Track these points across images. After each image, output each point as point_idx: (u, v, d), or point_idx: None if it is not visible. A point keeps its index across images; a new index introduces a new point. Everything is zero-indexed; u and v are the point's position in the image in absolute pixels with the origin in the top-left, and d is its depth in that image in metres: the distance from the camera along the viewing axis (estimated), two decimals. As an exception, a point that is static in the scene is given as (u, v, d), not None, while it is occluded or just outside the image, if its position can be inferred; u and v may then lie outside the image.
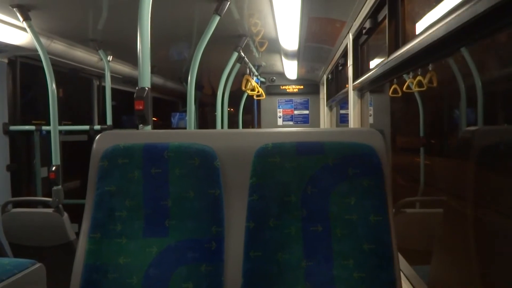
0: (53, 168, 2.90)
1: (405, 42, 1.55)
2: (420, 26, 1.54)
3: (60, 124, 3.06)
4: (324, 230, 1.14)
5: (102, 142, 1.28)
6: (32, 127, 3.59)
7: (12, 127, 3.44)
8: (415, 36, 1.37)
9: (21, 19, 2.59)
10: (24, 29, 2.81)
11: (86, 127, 3.92)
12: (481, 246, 1.48)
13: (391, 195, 1.18)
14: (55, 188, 2.88)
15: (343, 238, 1.12)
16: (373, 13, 2.08)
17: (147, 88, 1.68)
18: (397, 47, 1.64)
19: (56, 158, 2.94)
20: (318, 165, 1.17)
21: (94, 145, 1.29)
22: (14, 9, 2.51)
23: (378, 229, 1.11)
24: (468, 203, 1.65)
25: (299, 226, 1.15)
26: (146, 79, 1.69)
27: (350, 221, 1.13)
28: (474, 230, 1.57)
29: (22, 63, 3.55)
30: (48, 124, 3.07)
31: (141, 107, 1.64)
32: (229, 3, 2.47)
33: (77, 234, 2.93)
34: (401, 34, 1.66)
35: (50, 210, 2.79)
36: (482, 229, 1.55)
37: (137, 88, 1.68)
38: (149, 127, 1.73)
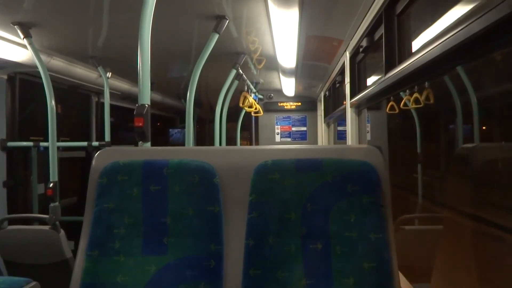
0: (51, 185, 2.88)
1: (401, 61, 1.58)
2: (416, 44, 1.56)
3: (58, 141, 3.06)
4: (324, 248, 1.14)
5: (102, 159, 1.29)
6: (30, 143, 3.58)
7: (10, 143, 3.43)
8: (411, 55, 1.39)
9: (21, 36, 2.62)
10: (24, 46, 2.83)
11: (84, 144, 3.92)
12: (481, 262, 1.47)
13: (390, 212, 1.18)
14: (52, 205, 2.86)
15: (343, 256, 1.12)
16: (370, 32, 2.12)
17: (147, 105, 1.69)
18: (393, 66, 1.67)
19: (53, 174, 2.93)
20: (317, 182, 1.17)
21: (93, 162, 1.29)
22: (15, 26, 2.54)
23: (378, 246, 1.11)
24: (466, 219, 1.65)
25: (298, 243, 1.15)
26: (146, 96, 1.70)
27: (350, 239, 1.12)
28: (474, 246, 1.56)
29: (21, 79, 3.57)
30: (46, 140, 3.06)
31: (140, 124, 1.65)
32: (228, 21, 2.51)
33: (73, 252, 2.91)
34: (398, 52, 1.69)
35: (46, 227, 2.76)
36: (482, 245, 1.55)
37: (137, 105, 1.69)
38: (148, 144, 1.73)
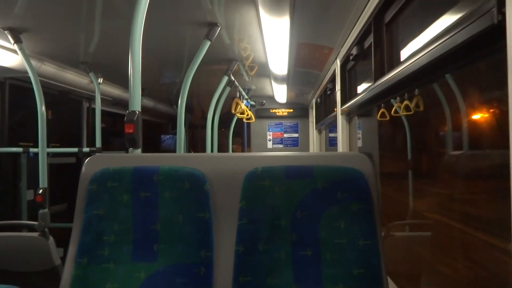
0: (40, 191, 2.85)
1: (390, 69, 1.60)
2: (404, 52, 1.59)
3: (48, 146, 3.04)
4: (313, 254, 1.14)
5: (91, 165, 1.28)
6: (20, 149, 3.55)
7: None
8: (400, 63, 1.42)
9: (12, 41, 2.60)
10: (15, 51, 2.82)
11: (75, 149, 3.89)
12: (471, 269, 1.49)
13: (380, 219, 1.19)
14: (41, 211, 2.83)
15: (333, 262, 1.13)
16: (360, 40, 2.14)
17: (137, 112, 1.69)
18: (382, 73, 1.69)
19: (43, 180, 2.90)
20: (307, 189, 1.18)
21: (83, 169, 1.29)
22: (6, 31, 2.53)
23: (367, 253, 1.12)
24: (455, 225, 1.67)
25: (289, 250, 1.15)
26: (136, 102, 1.70)
27: (339, 245, 1.13)
28: (463, 251, 1.58)
29: (11, 85, 3.54)
30: (36, 146, 3.03)
31: (131, 131, 1.64)
32: (219, 28, 2.52)
33: (62, 259, 2.87)
34: (387, 60, 1.71)
35: (35, 234, 2.73)
36: (471, 250, 1.57)
37: (127, 111, 1.69)
38: (139, 151, 1.73)
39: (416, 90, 3.28)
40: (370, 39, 1.87)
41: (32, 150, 3.61)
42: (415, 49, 1.26)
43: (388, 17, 1.68)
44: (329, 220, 1.16)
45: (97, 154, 1.36)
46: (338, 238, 1.14)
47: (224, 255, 1.20)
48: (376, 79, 1.76)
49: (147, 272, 1.16)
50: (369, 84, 1.96)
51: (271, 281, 1.12)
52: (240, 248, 1.16)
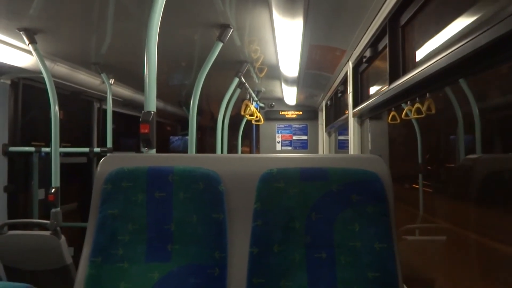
0: (53, 190, 2.88)
1: (406, 71, 1.59)
2: (420, 55, 1.57)
3: (59, 146, 3.06)
4: (328, 257, 1.13)
5: (107, 165, 1.29)
6: (32, 149, 3.58)
7: (12, 148, 3.43)
8: (416, 66, 1.40)
9: (27, 42, 2.63)
10: (29, 52, 2.85)
11: (86, 150, 3.92)
12: (485, 275, 1.47)
13: (395, 222, 1.17)
14: (53, 210, 2.85)
15: (347, 266, 1.11)
16: (374, 42, 2.13)
17: (152, 112, 1.69)
18: (397, 76, 1.68)
19: (55, 180, 2.92)
20: (322, 191, 1.17)
21: (98, 168, 1.29)
22: (21, 32, 2.56)
23: (382, 256, 1.11)
24: (470, 230, 1.65)
25: (303, 252, 1.14)
26: (152, 103, 1.71)
27: (354, 249, 1.12)
28: (478, 258, 1.56)
29: (24, 85, 3.58)
30: (47, 146, 3.06)
31: (146, 131, 1.65)
32: (232, 30, 2.53)
33: (73, 258, 2.89)
34: (402, 63, 1.70)
35: (47, 233, 2.75)
36: (486, 257, 1.55)
37: (143, 111, 1.70)
38: (153, 151, 1.73)
39: (428, 93, 3.25)
40: (385, 41, 1.86)
41: (44, 149, 3.64)
42: (432, 51, 1.25)
43: (404, 19, 1.67)
44: (343, 222, 1.15)
45: (112, 153, 1.36)
46: (352, 241, 1.13)
47: (238, 256, 1.19)
48: (391, 81, 1.75)
49: (161, 272, 1.16)
50: (381, 86, 1.95)
51: (285, 284, 1.12)
52: (254, 250, 1.15)
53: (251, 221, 1.18)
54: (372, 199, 1.15)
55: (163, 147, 8.15)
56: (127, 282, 1.15)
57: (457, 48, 1.03)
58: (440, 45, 1.19)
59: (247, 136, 6.90)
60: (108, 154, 1.35)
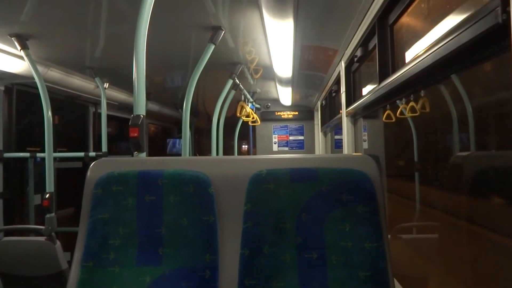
0: (47, 196, 2.87)
1: (395, 70, 1.59)
2: (409, 54, 1.58)
3: (54, 151, 3.06)
4: (319, 257, 1.13)
5: (97, 170, 1.28)
6: (27, 154, 3.58)
7: (6, 154, 3.42)
8: (404, 64, 1.41)
9: (19, 48, 2.63)
10: (21, 58, 2.85)
11: (81, 154, 3.91)
12: (480, 271, 1.47)
13: (386, 221, 1.18)
14: (48, 215, 2.84)
15: (339, 265, 1.12)
16: (364, 42, 2.14)
17: (142, 116, 1.69)
18: (387, 75, 1.68)
19: (50, 185, 2.92)
20: (312, 191, 1.17)
21: (89, 173, 1.29)
22: (13, 38, 2.56)
23: (373, 256, 1.11)
24: (463, 227, 1.65)
25: (294, 253, 1.15)
26: (141, 106, 1.71)
27: (345, 248, 1.12)
28: (471, 254, 1.56)
29: (18, 90, 3.58)
30: (42, 151, 3.05)
31: (136, 134, 1.65)
32: (223, 32, 2.53)
33: (69, 263, 2.89)
34: (391, 62, 1.71)
35: (42, 239, 2.75)
36: (479, 253, 1.55)
37: (132, 115, 1.69)
38: (143, 154, 1.73)
39: (422, 91, 3.26)
40: (375, 41, 1.86)
41: (39, 155, 3.64)
42: (419, 49, 1.26)
43: (392, 18, 1.67)
44: (334, 222, 1.15)
45: (102, 158, 1.36)
46: (343, 241, 1.13)
47: (229, 258, 1.19)
48: (381, 80, 1.75)
49: (152, 276, 1.16)
50: (374, 86, 1.95)
51: (276, 285, 1.12)
52: (245, 251, 1.15)
53: (242, 222, 1.18)
54: (362, 199, 1.16)
55: (163, 149, 8.16)
56: (119, 286, 1.15)
57: (442, 46, 1.04)
58: (428, 44, 1.19)
59: (245, 137, 6.91)
60: (98, 159, 1.35)
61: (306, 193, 1.18)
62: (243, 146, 8.37)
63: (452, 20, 1.12)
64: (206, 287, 1.15)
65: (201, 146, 8.58)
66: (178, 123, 7.57)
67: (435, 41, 1.12)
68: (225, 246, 1.21)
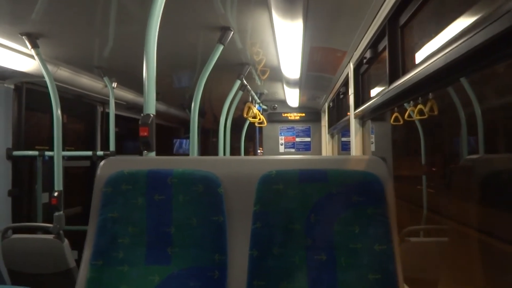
0: (55, 194, 2.89)
1: (405, 72, 1.58)
2: (419, 55, 1.57)
3: (63, 150, 3.08)
4: (328, 259, 1.13)
5: (106, 168, 1.29)
6: (36, 152, 3.60)
7: (15, 152, 3.45)
8: (415, 66, 1.40)
9: (29, 46, 2.65)
10: (31, 56, 2.87)
11: (89, 153, 3.94)
12: (489, 276, 1.46)
13: (395, 223, 1.17)
14: (56, 214, 2.86)
15: (348, 267, 1.11)
16: (374, 44, 2.13)
17: (152, 115, 1.70)
18: (397, 77, 1.67)
19: (58, 183, 2.94)
20: (321, 193, 1.17)
21: (98, 171, 1.30)
22: (23, 37, 2.58)
23: (383, 258, 1.10)
24: (472, 231, 1.64)
25: (303, 254, 1.14)
26: (151, 106, 1.71)
27: (354, 250, 1.12)
28: (481, 259, 1.55)
29: (28, 89, 3.61)
30: (51, 150, 3.07)
31: (145, 134, 1.66)
32: (232, 32, 2.54)
33: (77, 261, 2.90)
34: (401, 63, 1.70)
35: (50, 237, 2.77)
36: (489, 258, 1.53)
37: (142, 115, 1.70)
38: (153, 154, 1.74)
39: (430, 94, 3.24)
40: (385, 42, 1.86)
41: (47, 153, 3.66)
42: (430, 51, 1.25)
43: (403, 19, 1.67)
44: (343, 224, 1.14)
45: (112, 157, 1.37)
46: (353, 243, 1.13)
47: (238, 258, 1.19)
48: (390, 82, 1.74)
49: (161, 275, 1.16)
50: (383, 87, 1.95)
51: (285, 286, 1.11)
52: (254, 252, 1.15)
53: (251, 223, 1.18)
54: (372, 201, 1.15)
55: (168, 150, 8.18)
56: (127, 285, 1.15)
57: (454, 48, 1.03)
58: (439, 45, 1.18)
59: (251, 139, 6.91)
60: (108, 157, 1.36)
61: (315, 194, 1.17)
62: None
63: (465, 21, 1.11)
64: (214, 287, 1.15)
65: (206, 146, 8.59)
66: (184, 123, 7.60)
67: (446, 43, 1.11)
68: (234, 246, 1.21)
